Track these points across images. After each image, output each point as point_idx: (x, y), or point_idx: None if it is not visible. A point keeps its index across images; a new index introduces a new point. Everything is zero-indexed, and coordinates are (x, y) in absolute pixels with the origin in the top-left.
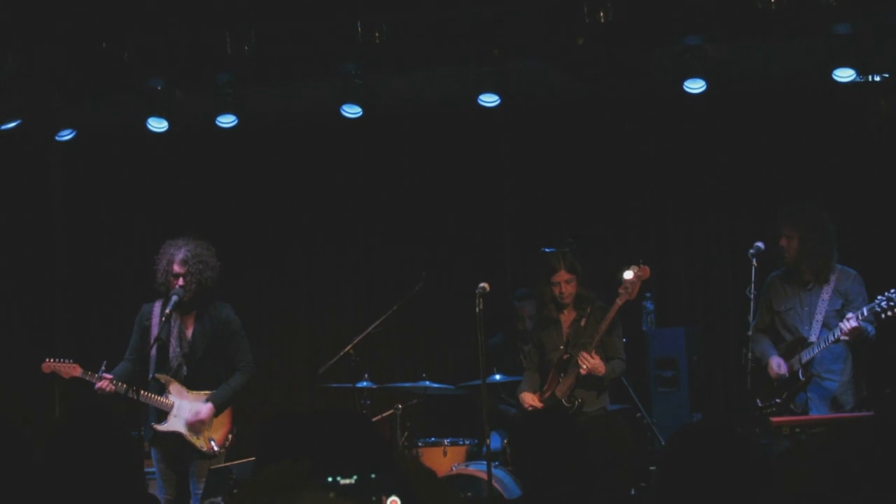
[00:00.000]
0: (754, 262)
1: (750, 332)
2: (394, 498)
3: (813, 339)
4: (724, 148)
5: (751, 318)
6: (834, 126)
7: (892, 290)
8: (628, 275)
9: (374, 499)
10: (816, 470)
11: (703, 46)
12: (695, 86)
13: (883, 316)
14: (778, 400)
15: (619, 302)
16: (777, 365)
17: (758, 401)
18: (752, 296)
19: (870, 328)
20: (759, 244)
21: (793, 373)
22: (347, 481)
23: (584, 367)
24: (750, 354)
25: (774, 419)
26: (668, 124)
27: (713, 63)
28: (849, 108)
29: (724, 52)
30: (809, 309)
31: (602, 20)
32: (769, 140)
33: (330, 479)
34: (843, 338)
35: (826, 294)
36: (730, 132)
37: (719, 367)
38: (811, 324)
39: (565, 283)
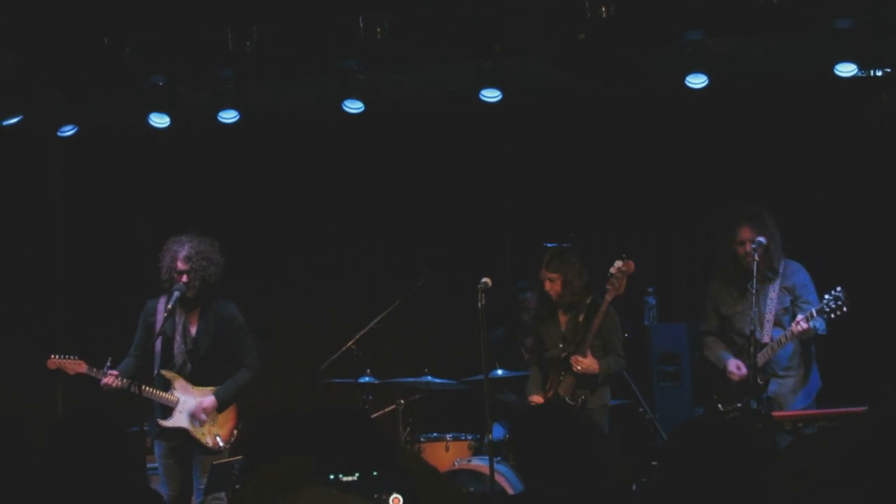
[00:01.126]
0: (756, 256)
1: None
2: (396, 495)
3: (766, 339)
4: (725, 143)
5: (752, 312)
6: (835, 121)
7: (838, 289)
8: (613, 270)
9: (376, 496)
10: (817, 465)
11: (704, 41)
12: (696, 81)
13: (832, 316)
14: (739, 404)
15: (607, 298)
16: (737, 367)
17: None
18: (753, 290)
19: (820, 326)
20: (761, 239)
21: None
22: (350, 478)
23: (578, 368)
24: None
25: (776, 414)
26: (670, 120)
27: (715, 58)
28: (850, 102)
29: (725, 47)
30: (759, 310)
31: (603, 15)
32: (770, 135)
33: (332, 476)
34: (793, 337)
35: (773, 293)
36: (731, 127)
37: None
38: (762, 324)
39: (549, 282)
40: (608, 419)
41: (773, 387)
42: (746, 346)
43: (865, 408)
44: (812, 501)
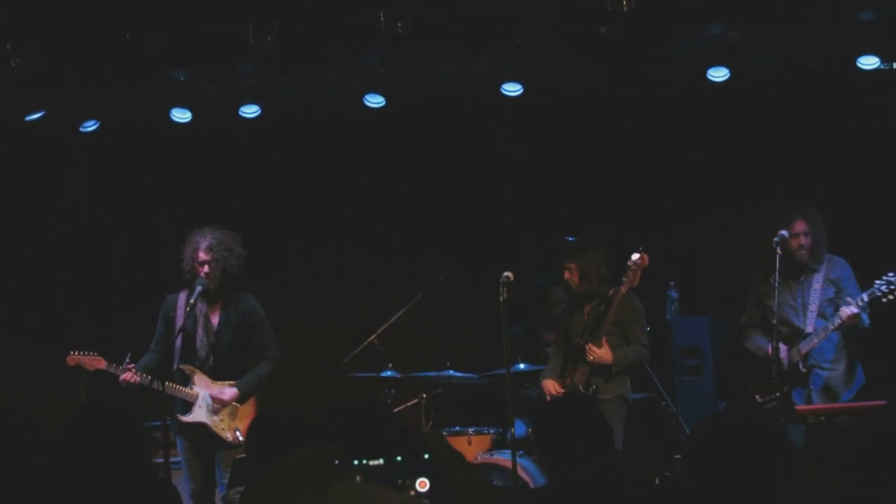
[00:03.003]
0: (778, 250)
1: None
2: (423, 479)
3: (809, 329)
4: (747, 136)
5: (774, 306)
6: (858, 114)
7: (891, 273)
8: (629, 263)
9: (401, 480)
10: (840, 459)
11: (726, 35)
12: (718, 74)
13: (884, 300)
14: (778, 394)
15: (621, 289)
16: (780, 351)
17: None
18: (776, 284)
19: (865, 317)
20: (784, 232)
21: (792, 365)
22: (375, 463)
23: (590, 357)
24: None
25: (799, 407)
26: (692, 113)
27: (737, 51)
28: (873, 95)
29: (747, 40)
30: (802, 300)
31: (625, 9)
32: (793, 128)
33: (357, 462)
34: (840, 324)
35: (818, 283)
36: (754, 120)
37: (745, 356)
38: (805, 314)
39: (567, 273)
40: (625, 411)
41: (822, 377)
42: (790, 336)
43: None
44: (832, 495)
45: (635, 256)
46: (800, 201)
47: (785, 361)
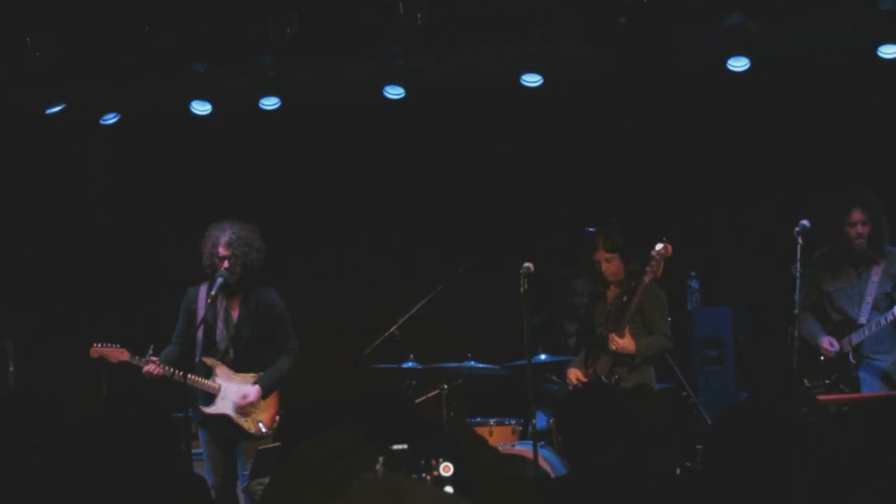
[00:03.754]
0: (800, 240)
1: (796, 311)
2: (447, 463)
3: (863, 320)
4: (768, 126)
5: (796, 296)
6: (879, 104)
7: None
8: (652, 252)
9: (425, 463)
10: (856, 449)
11: (745, 24)
12: (738, 64)
13: None
14: (827, 381)
15: (645, 279)
16: (829, 343)
17: (805, 381)
18: (797, 274)
19: None
20: (805, 222)
21: (842, 354)
22: (399, 447)
23: (613, 347)
24: (797, 333)
25: (821, 397)
26: (712, 103)
27: (756, 41)
28: (894, 84)
29: (766, 29)
30: (860, 290)
31: None
32: (814, 118)
33: (380, 446)
34: (894, 320)
35: (876, 276)
36: (775, 110)
37: (765, 345)
38: (861, 305)
39: (605, 262)
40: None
41: (877, 367)
42: (843, 325)
43: None
44: (851, 485)
45: (659, 246)
46: (862, 191)
47: (838, 349)
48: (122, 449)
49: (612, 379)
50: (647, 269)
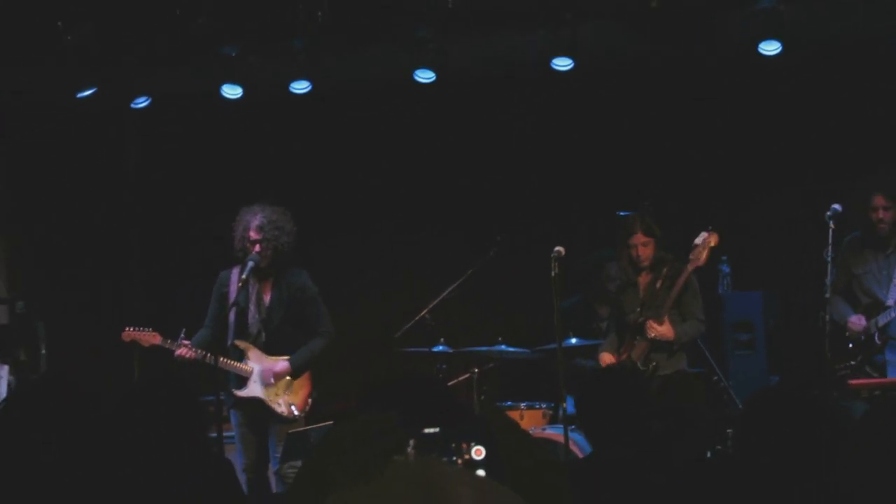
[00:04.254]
0: (831, 224)
1: (827, 294)
2: (478, 447)
3: (890, 302)
4: (799, 110)
5: (828, 280)
6: None
7: None
8: (697, 241)
9: (457, 447)
10: (891, 434)
11: (777, 7)
12: (770, 48)
13: None
14: (853, 362)
15: (688, 268)
16: (857, 319)
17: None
18: (829, 258)
19: None
20: (837, 206)
21: (869, 336)
22: (430, 430)
23: (652, 334)
24: (827, 316)
25: (852, 381)
26: (743, 87)
27: (788, 24)
28: None
29: (798, 12)
30: (888, 272)
31: None
32: (846, 101)
33: (411, 429)
34: None
35: None
36: (806, 94)
37: (796, 329)
38: (888, 287)
39: (642, 246)
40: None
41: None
42: (870, 307)
43: None
44: (886, 470)
45: (704, 235)
46: (888, 176)
47: (864, 325)
48: (148, 432)
49: (650, 366)
50: (691, 256)
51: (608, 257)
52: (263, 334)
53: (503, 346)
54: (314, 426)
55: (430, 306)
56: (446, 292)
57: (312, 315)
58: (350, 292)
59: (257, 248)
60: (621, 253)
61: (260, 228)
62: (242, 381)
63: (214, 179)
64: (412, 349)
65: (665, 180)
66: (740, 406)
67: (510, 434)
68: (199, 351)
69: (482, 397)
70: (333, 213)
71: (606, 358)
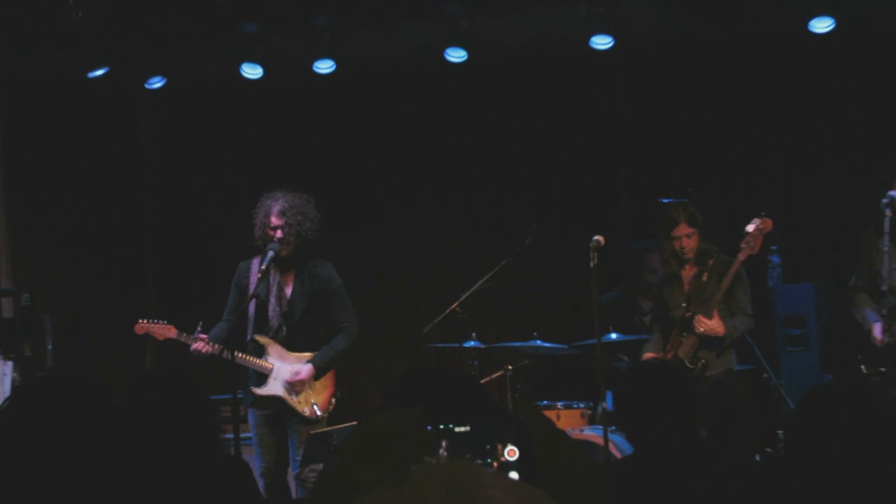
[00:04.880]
0: (888, 212)
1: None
2: (512, 447)
3: None
4: (854, 92)
5: (884, 271)
6: None
7: None
8: (749, 228)
9: (490, 447)
10: None
11: None
12: (822, 25)
13: None
14: (882, 369)
15: (740, 257)
16: (878, 332)
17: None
18: (886, 249)
19: None
20: (893, 193)
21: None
22: (462, 429)
23: (701, 329)
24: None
25: None
26: (795, 67)
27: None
28: None
29: None
30: None
31: None
32: None
33: (442, 426)
34: None
35: None
36: (860, 75)
37: (852, 324)
38: None
39: (686, 238)
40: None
41: None
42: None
43: None
44: None
45: (757, 221)
46: None
47: (881, 340)
48: (157, 433)
49: (699, 364)
50: (743, 245)
51: (649, 247)
52: (284, 328)
53: (539, 342)
54: (337, 427)
55: (461, 299)
56: (478, 284)
57: (336, 309)
58: (375, 285)
59: (279, 234)
60: (663, 245)
61: (281, 213)
62: (262, 378)
63: (234, 165)
64: (441, 345)
65: (711, 165)
66: (792, 406)
67: (546, 434)
68: (217, 346)
69: (516, 395)
70: (357, 200)
71: (650, 357)
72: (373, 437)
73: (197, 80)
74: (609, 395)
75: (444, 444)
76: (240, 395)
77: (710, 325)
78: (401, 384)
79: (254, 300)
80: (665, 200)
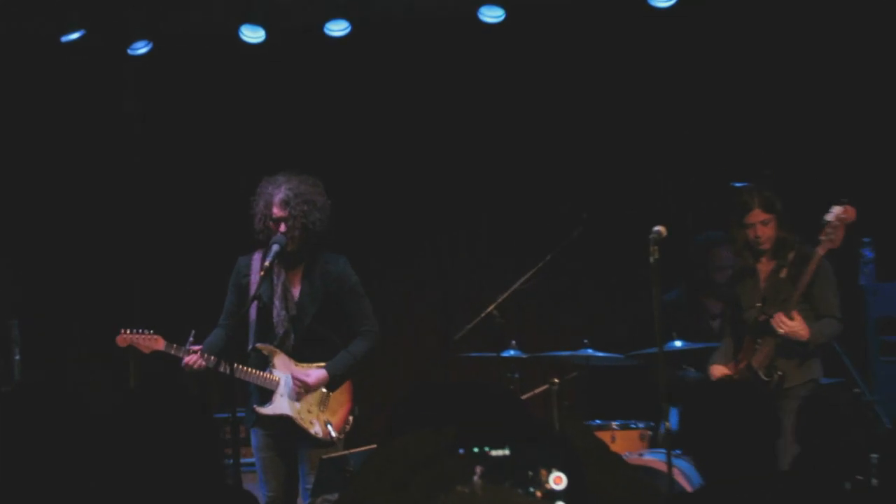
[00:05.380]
0: None
1: None
2: (558, 474)
3: None
4: None
5: None
6: None
7: None
8: (828, 217)
9: (532, 474)
10: None
11: None
12: None
13: None
14: None
15: (819, 251)
16: None
17: None
18: None
19: None
20: None
21: None
22: (500, 453)
23: (781, 329)
24: None
25: None
26: (885, 29)
27: None
28: None
29: None
30: None
31: None
32: None
33: (478, 450)
34: None
35: None
36: None
37: None
38: None
39: (761, 225)
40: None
41: None
42: None
43: None
44: None
45: (836, 209)
46: None
47: None
48: (148, 456)
49: (775, 375)
50: (822, 237)
51: (718, 239)
52: (292, 336)
53: (590, 351)
54: (354, 450)
55: (499, 301)
56: (518, 283)
57: (353, 311)
58: (398, 283)
59: (282, 227)
60: (735, 234)
61: (285, 203)
62: (267, 394)
63: (231, 142)
64: (476, 354)
65: (789, 144)
66: (888, 426)
67: (598, 459)
68: (213, 358)
69: (563, 413)
70: (374, 185)
71: (718, 371)
72: (395, 463)
73: (188, 46)
74: (673, 413)
75: (478, 470)
76: (240, 414)
77: (792, 326)
78: (404, 406)
79: (255, 303)
80: (737, 184)
